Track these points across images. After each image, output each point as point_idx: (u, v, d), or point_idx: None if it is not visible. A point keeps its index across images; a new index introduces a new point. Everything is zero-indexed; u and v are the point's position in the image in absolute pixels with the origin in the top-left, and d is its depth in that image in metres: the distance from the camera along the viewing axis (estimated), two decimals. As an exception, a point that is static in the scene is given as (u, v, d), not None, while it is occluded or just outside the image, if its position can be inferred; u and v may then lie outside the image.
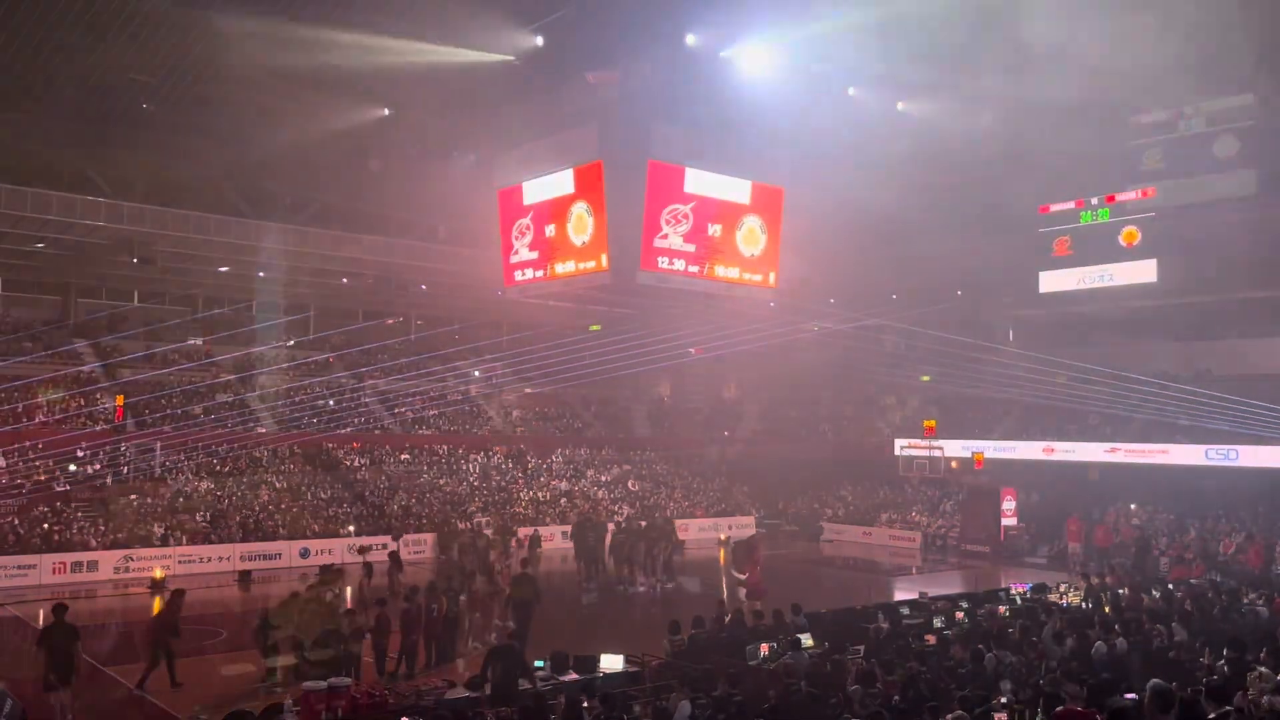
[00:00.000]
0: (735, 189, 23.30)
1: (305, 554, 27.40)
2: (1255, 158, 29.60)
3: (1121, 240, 31.81)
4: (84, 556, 25.57)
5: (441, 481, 34.69)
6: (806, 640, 12.88)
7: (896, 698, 9.14)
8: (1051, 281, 33.64)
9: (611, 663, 12.43)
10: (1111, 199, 32.23)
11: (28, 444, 28.78)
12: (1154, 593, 16.96)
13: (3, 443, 28.34)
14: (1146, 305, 33.15)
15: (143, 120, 28.35)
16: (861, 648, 12.45)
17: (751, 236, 23.63)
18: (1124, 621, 13.09)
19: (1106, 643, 11.72)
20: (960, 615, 14.74)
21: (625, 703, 9.73)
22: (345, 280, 35.70)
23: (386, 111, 28.24)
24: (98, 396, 31.89)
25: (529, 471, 37.17)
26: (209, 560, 27.05)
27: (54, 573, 24.88)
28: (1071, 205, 33.04)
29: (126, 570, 25.53)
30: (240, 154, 30.03)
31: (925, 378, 39.59)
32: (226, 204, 32.00)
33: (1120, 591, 17.01)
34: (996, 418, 36.66)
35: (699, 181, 22.47)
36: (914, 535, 34.27)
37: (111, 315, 35.85)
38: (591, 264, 22.51)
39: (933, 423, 35.40)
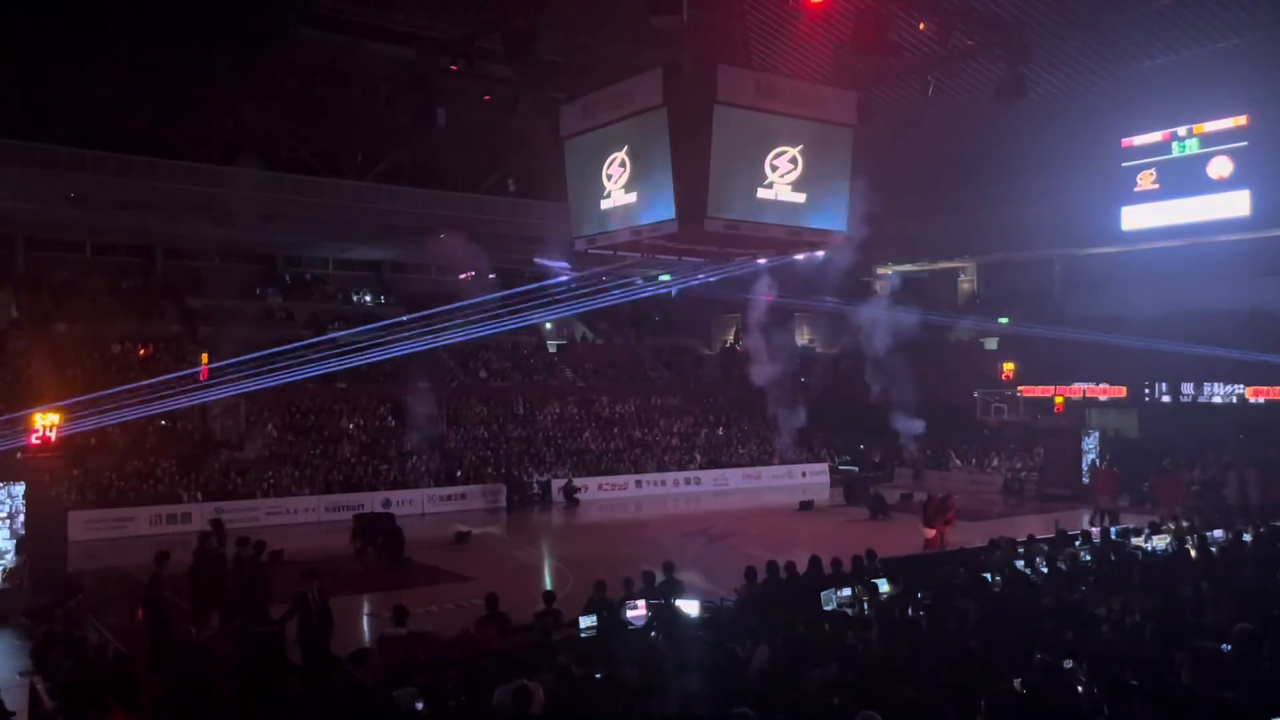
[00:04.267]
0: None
1: (386, 504, 28.03)
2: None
3: (1210, 172, 30.48)
4: (178, 509, 26.62)
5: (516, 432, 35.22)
6: (884, 586, 12.81)
7: (974, 642, 9.05)
8: (1135, 218, 32.49)
9: (687, 607, 12.54)
10: (1200, 129, 30.86)
11: (122, 402, 29.84)
12: (1245, 537, 16.45)
13: (98, 401, 29.40)
14: (1238, 240, 31.88)
15: (215, 82, 28.91)
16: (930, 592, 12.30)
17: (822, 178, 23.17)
18: (1210, 563, 12.77)
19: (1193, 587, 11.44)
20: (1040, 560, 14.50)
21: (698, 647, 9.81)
22: (416, 235, 36.04)
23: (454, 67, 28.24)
24: (183, 354, 32.86)
25: (601, 421, 37.49)
26: (295, 512, 27.99)
27: (150, 524, 25.96)
28: (1158, 137, 31.71)
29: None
30: (308, 112, 30.42)
31: (1003, 319, 38.78)
32: (299, 163, 32.50)
33: (1211, 534, 16.51)
34: (1078, 361, 35.77)
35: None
36: (993, 479, 33.83)
37: (193, 275, 36.85)
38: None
39: (1012, 366, 34.72)
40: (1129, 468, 31.05)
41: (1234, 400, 30.19)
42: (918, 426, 32.94)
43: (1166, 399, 31.84)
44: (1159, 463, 30.39)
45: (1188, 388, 31.28)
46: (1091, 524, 22.79)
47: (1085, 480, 30.92)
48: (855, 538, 24.13)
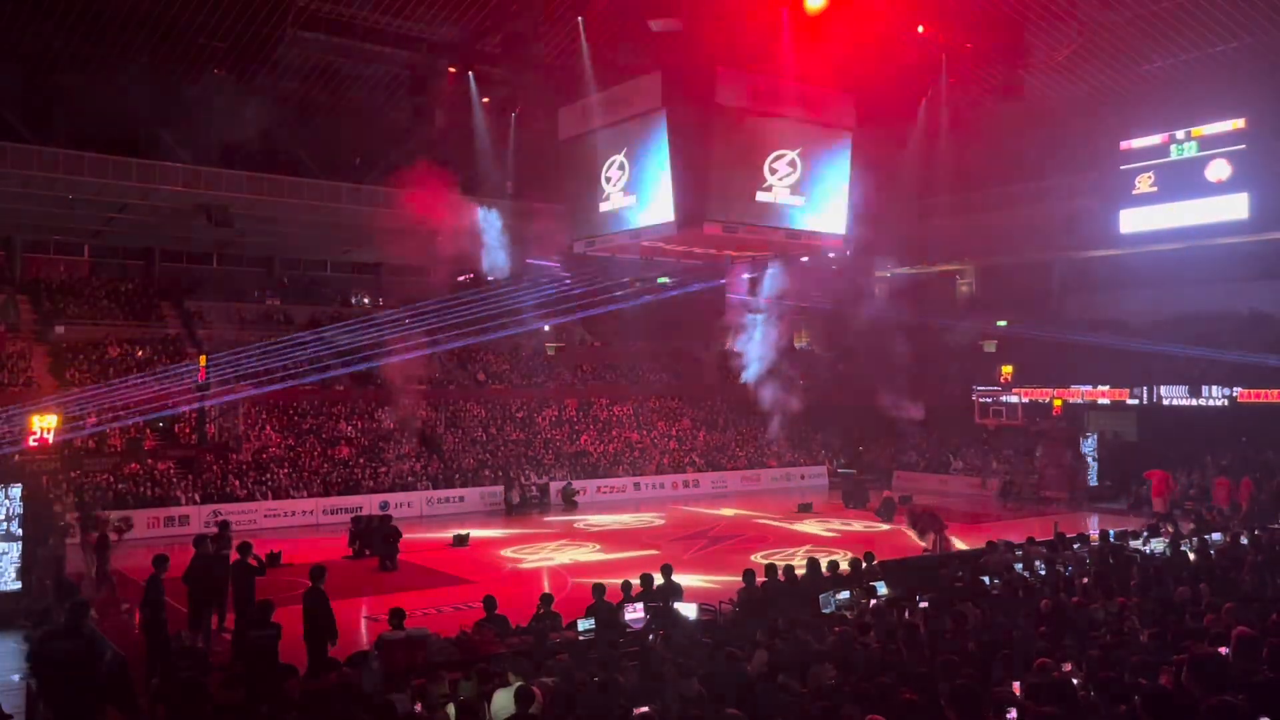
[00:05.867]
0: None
1: (384, 506, 27.99)
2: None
3: (1208, 175, 30.49)
4: (176, 511, 26.59)
5: (514, 435, 35.19)
6: (882, 589, 12.83)
7: (972, 645, 9.04)
8: (1133, 221, 32.50)
9: (685, 610, 12.53)
10: (1199, 133, 30.87)
11: (118, 404, 29.81)
12: (1242, 540, 16.45)
13: (94, 402, 29.37)
14: (1237, 243, 31.90)
15: (214, 85, 28.91)
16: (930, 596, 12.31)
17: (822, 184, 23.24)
18: (1209, 566, 12.77)
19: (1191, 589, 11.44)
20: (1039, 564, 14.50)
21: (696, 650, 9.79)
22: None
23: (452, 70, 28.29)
24: (181, 356, 32.84)
25: (600, 424, 37.48)
26: (293, 514, 27.99)
27: (149, 526, 25.90)
28: (1157, 140, 31.71)
29: (213, 525, 26.42)
30: (308, 115, 30.43)
31: (1002, 322, 38.78)
32: (297, 165, 32.46)
33: (1210, 537, 16.51)
34: (1075, 364, 35.80)
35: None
36: (991, 483, 33.82)
37: (192, 277, 36.88)
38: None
39: (1010, 369, 34.72)
40: (1126, 470, 31.17)
41: (1232, 403, 30.20)
42: (916, 412, 33.01)
43: (1165, 402, 31.89)
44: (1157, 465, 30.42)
45: (1186, 390, 31.31)
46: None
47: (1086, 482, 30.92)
48: (855, 540, 24.17)
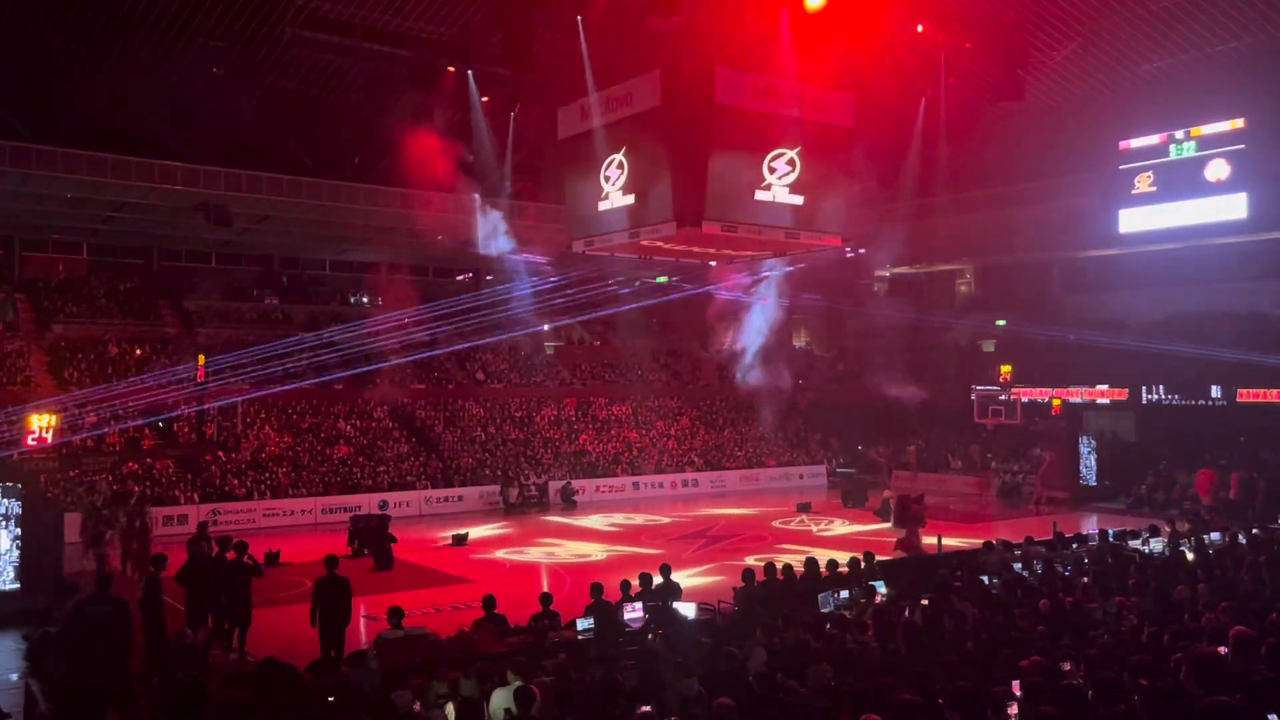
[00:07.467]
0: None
1: (384, 506, 27.98)
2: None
3: (1207, 175, 30.51)
4: (174, 510, 26.57)
5: (513, 435, 35.18)
6: (881, 588, 12.83)
7: (971, 645, 9.05)
8: (1133, 220, 32.51)
9: (684, 610, 12.54)
10: (1198, 132, 30.87)
11: (117, 404, 29.81)
12: (1240, 539, 16.45)
13: (93, 402, 29.37)
14: (1236, 243, 31.92)
15: (214, 84, 28.94)
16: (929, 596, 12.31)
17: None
18: (1208, 566, 12.77)
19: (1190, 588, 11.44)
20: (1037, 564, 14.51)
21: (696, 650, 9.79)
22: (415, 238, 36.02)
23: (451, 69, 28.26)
24: (180, 356, 32.82)
25: (599, 423, 37.49)
26: (291, 514, 27.98)
27: (147, 526, 25.88)
28: (1156, 140, 31.72)
29: (215, 524, 26.43)
30: (308, 115, 30.40)
31: (1001, 322, 38.80)
32: (296, 165, 32.45)
33: (1208, 537, 16.52)
34: (1074, 364, 35.83)
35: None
36: (989, 482, 33.83)
37: (191, 276, 36.86)
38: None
39: (1009, 369, 34.73)
40: (1125, 470, 31.18)
41: (1231, 403, 30.23)
42: (915, 410, 32.96)
43: (1164, 401, 31.93)
44: (1156, 465, 30.47)
45: (1184, 390, 31.33)
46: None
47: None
48: (853, 539, 24.16)
